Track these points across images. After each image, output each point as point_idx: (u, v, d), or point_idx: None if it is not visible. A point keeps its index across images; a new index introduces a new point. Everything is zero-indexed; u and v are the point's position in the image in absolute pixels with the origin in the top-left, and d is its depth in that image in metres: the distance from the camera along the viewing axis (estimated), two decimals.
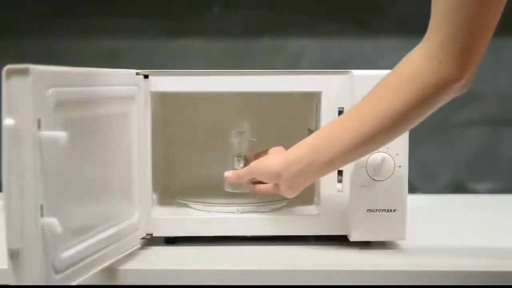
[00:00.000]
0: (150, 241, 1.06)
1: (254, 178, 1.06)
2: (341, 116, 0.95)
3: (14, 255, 0.74)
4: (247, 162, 1.13)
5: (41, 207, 0.75)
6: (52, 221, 0.76)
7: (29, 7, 1.52)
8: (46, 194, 0.76)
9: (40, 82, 0.76)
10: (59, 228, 0.76)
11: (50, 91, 0.78)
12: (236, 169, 1.12)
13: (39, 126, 0.75)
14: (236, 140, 1.17)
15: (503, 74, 1.55)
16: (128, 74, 1.02)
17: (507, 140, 1.56)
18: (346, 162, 0.96)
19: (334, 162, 0.93)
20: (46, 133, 0.76)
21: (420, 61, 0.86)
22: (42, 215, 0.75)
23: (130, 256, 1.00)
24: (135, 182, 1.02)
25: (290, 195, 1.00)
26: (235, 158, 1.16)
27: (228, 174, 1.09)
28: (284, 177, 0.97)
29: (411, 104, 0.86)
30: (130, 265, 0.96)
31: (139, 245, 1.03)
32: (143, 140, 1.04)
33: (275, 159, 0.99)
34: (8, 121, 0.73)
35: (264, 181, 1.03)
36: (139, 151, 1.03)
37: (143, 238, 1.05)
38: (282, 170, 0.97)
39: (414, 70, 0.86)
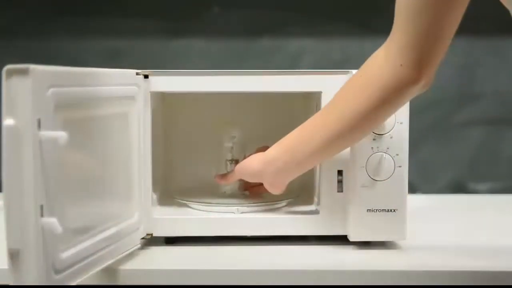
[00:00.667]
0: (150, 241, 1.06)
1: (247, 182, 1.10)
2: (314, 115, 0.98)
3: (14, 255, 0.74)
4: None
5: (41, 207, 0.75)
6: (52, 221, 0.76)
7: (29, 7, 1.52)
8: (46, 194, 0.76)
9: (40, 82, 0.76)
10: (59, 228, 0.76)
11: (50, 91, 0.78)
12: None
13: (39, 126, 0.75)
14: (228, 145, 1.18)
15: (503, 74, 1.55)
16: (128, 74, 1.02)
17: (507, 140, 1.56)
18: (319, 160, 1.01)
19: (307, 161, 0.98)
20: (46, 133, 0.76)
21: (382, 62, 0.89)
22: (42, 215, 0.75)
23: (130, 256, 1.00)
24: (135, 182, 1.02)
25: (274, 192, 1.03)
26: (227, 162, 1.17)
27: (217, 178, 1.13)
28: (264, 176, 1.01)
29: (373, 104, 0.90)
30: (130, 265, 0.96)
31: (139, 245, 1.03)
32: (143, 140, 1.04)
33: (256, 159, 1.03)
34: (8, 121, 0.73)
35: (249, 181, 1.07)
36: (139, 151, 1.03)
37: (143, 238, 1.04)
38: (261, 169, 1.01)
39: (376, 71, 0.89)
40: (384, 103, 0.89)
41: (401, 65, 0.87)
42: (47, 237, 0.76)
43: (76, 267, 0.84)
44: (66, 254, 0.81)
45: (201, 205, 1.12)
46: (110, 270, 0.94)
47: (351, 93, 0.92)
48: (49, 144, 0.76)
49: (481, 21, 1.51)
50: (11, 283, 0.75)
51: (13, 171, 0.74)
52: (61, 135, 0.77)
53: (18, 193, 0.74)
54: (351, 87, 0.93)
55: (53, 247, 0.78)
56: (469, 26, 1.52)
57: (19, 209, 0.74)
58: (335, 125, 0.92)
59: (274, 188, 1.02)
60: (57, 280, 0.79)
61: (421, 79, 0.87)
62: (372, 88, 0.89)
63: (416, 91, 0.90)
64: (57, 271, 0.79)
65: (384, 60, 0.88)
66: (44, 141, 0.75)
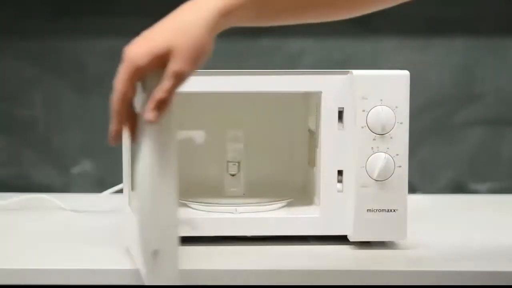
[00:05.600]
0: None
1: None
2: None
3: (153, 256, 0.74)
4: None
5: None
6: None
7: (29, 7, 1.52)
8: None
9: None
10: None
11: None
12: (231, 175, 1.13)
13: None
14: (230, 146, 1.18)
15: (503, 74, 1.55)
16: None
17: (507, 140, 1.56)
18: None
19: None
20: (181, 132, 0.75)
21: None
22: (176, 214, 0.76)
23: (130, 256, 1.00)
24: None
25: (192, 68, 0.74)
26: (229, 164, 1.17)
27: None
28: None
29: None
30: (130, 265, 0.96)
31: None
32: None
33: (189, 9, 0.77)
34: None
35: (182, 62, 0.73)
36: None
37: None
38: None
39: None
40: None
41: None
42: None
43: None
44: None
45: (201, 205, 1.12)
46: (110, 270, 0.94)
47: None
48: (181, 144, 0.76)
49: (481, 21, 1.51)
50: (147, 283, 0.76)
51: (157, 172, 0.72)
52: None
53: (161, 194, 0.73)
54: None
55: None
56: (469, 26, 1.53)
57: (161, 210, 0.73)
58: None
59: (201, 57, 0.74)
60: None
61: None
62: None
63: None
64: None
65: None
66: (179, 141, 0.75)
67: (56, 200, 1.35)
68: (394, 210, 1.03)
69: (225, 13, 0.74)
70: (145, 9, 1.53)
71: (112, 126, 0.71)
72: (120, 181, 1.07)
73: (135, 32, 1.62)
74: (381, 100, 1.02)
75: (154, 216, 0.73)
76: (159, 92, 0.70)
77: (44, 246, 1.07)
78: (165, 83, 0.70)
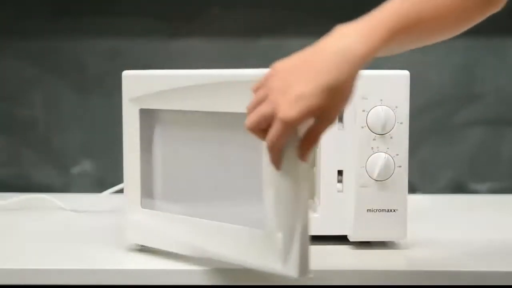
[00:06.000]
0: None
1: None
2: None
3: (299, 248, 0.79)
4: None
5: None
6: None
7: (29, 7, 1.52)
8: None
9: None
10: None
11: None
12: None
13: None
14: None
15: (503, 74, 1.55)
16: None
17: (507, 140, 1.56)
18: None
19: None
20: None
21: None
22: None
23: (130, 256, 1.00)
24: None
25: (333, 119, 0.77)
26: None
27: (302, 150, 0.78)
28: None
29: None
30: (130, 265, 0.96)
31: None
32: None
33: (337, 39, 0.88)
34: None
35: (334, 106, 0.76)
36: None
37: None
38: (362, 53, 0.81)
39: None
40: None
41: None
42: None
43: None
44: None
45: None
46: (110, 270, 0.94)
47: None
48: None
49: (481, 21, 1.50)
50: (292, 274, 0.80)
51: (301, 185, 0.79)
52: None
53: (303, 201, 0.79)
54: None
55: None
56: None
57: (303, 212, 0.79)
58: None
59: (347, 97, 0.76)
60: None
61: None
62: None
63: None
64: None
65: None
66: None
67: (56, 200, 1.35)
68: (394, 210, 1.03)
69: (367, 59, 0.79)
70: (145, 9, 1.53)
71: (270, 161, 0.79)
72: (120, 181, 1.07)
73: (135, 32, 1.62)
74: (381, 100, 1.02)
75: (298, 214, 0.79)
76: (311, 138, 0.77)
77: (44, 246, 1.07)
78: (317, 131, 0.76)
